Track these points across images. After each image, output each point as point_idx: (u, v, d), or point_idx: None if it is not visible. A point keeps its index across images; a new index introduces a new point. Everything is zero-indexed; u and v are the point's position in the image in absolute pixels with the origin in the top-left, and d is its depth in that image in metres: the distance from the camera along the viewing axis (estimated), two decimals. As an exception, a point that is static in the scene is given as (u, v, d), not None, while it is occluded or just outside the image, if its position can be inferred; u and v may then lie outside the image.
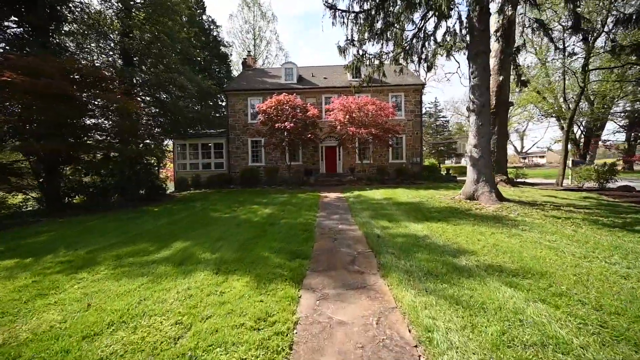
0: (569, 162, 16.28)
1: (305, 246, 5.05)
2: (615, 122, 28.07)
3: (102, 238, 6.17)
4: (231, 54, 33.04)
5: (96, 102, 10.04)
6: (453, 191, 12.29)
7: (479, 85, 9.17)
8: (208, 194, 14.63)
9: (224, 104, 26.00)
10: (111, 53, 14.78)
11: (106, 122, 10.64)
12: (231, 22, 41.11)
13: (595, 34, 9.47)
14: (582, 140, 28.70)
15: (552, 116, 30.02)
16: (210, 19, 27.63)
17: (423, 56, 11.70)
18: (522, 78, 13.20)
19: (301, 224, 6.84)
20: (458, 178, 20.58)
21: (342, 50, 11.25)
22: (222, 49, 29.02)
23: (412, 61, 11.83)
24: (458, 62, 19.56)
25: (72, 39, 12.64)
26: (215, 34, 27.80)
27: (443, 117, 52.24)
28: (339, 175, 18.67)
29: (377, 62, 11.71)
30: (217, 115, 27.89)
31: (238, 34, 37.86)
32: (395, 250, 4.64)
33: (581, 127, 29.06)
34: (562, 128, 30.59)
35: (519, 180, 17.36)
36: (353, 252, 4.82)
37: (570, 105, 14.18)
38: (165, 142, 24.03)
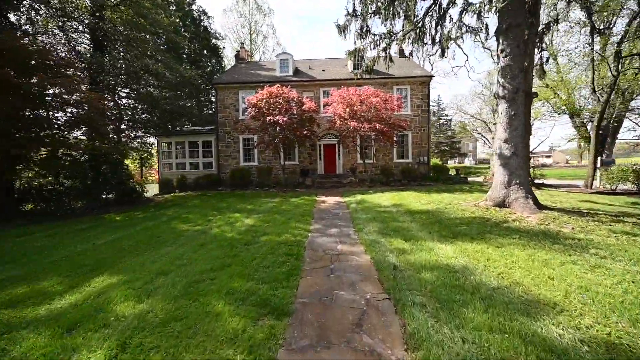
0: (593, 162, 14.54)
1: (285, 287, 3.31)
2: (631, 120, 26.33)
3: (4, 267, 4.42)
4: (224, 47, 31.29)
5: (45, 91, 8.28)
6: (470, 195, 10.56)
7: (511, 66, 7.45)
8: (190, 198, 12.89)
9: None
10: (81, 39, 13.06)
11: (61, 114, 8.91)
12: (226, 17, 39.33)
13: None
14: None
15: (565, 113, 28.25)
16: (201, 9, 25.86)
17: (437, 37, 10.02)
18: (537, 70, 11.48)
19: (287, 243, 5.10)
20: (469, 179, 18.86)
21: (342, 29, 9.53)
22: (214, 41, 27.21)
23: (424, 43, 10.13)
24: (466, 55, 17.76)
25: (27, 18, 10.87)
26: (206, 24, 26.01)
27: (446, 115, 50.73)
28: (338, 176, 16.93)
29: (383, 44, 9.98)
30: (210, 112, 26.20)
31: (233, 28, 36.10)
32: (426, 298, 2.92)
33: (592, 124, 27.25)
34: (576, 126, 28.86)
35: (537, 181, 15.68)
36: (359, 299, 3.08)
37: (601, 98, 12.51)
38: (152, 141, 22.37)
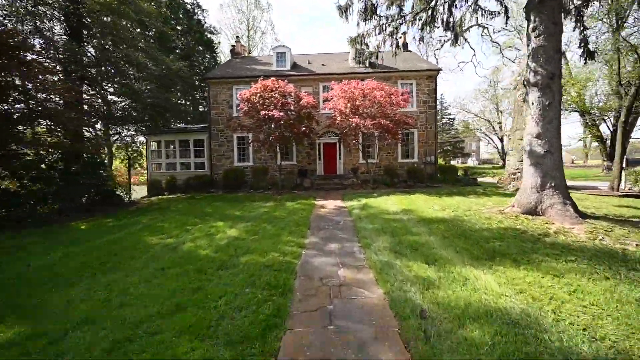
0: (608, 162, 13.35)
1: (258, 355, 2.13)
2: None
3: None
4: (219, 42, 30.13)
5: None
6: (488, 199, 9.37)
7: (545, 47, 6.25)
8: (178, 201, 11.74)
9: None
10: (56, 27, 11.89)
11: (19, 105, 7.72)
12: (223, 12, 38.29)
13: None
14: (609, 137, 25.72)
15: (575, 110, 27.09)
16: (195, 2, 24.67)
17: (451, 21, 8.87)
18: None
19: (273, 266, 3.92)
20: (478, 180, 17.65)
21: (344, 10, 8.39)
22: (208, 35, 26.01)
23: (436, 27, 8.98)
24: (474, 50, 16.65)
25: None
26: (200, 17, 24.81)
27: (449, 114, 49.58)
28: (339, 177, 15.74)
29: (390, 28, 8.82)
30: (205, 110, 25.04)
31: (230, 24, 34.95)
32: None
33: (609, 123, 26.08)
34: (586, 124, 27.69)
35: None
36: (375, 382, 1.90)
37: (629, 91, 11.37)
38: (142, 140, 21.18)
